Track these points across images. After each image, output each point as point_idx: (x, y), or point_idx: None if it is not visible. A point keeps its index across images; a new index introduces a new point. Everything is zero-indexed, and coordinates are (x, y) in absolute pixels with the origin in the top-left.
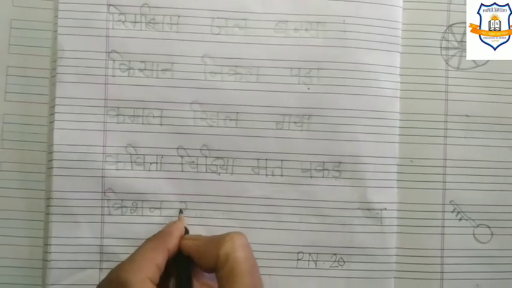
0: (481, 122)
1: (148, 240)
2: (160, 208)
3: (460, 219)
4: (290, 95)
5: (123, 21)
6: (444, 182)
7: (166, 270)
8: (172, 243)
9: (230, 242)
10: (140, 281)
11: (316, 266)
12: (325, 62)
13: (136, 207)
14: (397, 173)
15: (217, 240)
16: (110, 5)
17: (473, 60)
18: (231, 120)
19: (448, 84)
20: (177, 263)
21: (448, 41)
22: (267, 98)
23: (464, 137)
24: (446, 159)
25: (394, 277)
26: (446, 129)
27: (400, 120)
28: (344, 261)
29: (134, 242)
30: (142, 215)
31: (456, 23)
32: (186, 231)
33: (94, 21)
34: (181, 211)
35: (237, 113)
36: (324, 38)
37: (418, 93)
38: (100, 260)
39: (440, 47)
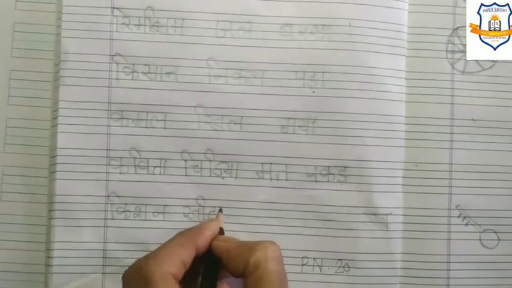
0: (487, 126)
1: (178, 234)
2: (163, 212)
3: (466, 224)
4: (295, 98)
5: (127, 24)
6: (451, 186)
7: (192, 268)
8: (201, 241)
9: (263, 250)
10: (163, 275)
11: (321, 271)
12: (330, 66)
13: (140, 212)
14: (403, 177)
15: (250, 247)
16: (114, 8)
17: (479, 64)
18: (235, 124)
19: (453, 88)
20: (205, 262)
21: (453, 44)
22: (271, 101)
23: (470, 141)
24: (452, 164)
25: (399, 283)
26: (452, 133)
27: (406, 124)
28: (350, 267)
29: (138, 246)
30: (145, 220)
31: (461, 26)
32: (221, 231)
33: (98, 24)
34: (220, 210)
35: (242, 116)
36: (329, 41)
37: (424, 97)
38: (103, 265)
39: (446, 51)
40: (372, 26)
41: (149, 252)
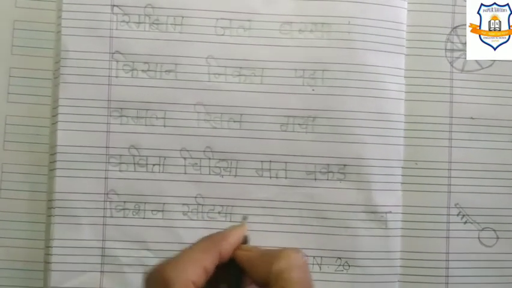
0: (486, 125)
1: (202, 239)
2: (162, 211)
3: (465, 223)
4: (295, 96)
5: (127, 22)
6: (449, 184)
7: (216, 275)
8: (225, 248)
9: (285, 259)
10: (183, 282)
11: (320, 269)
12: (330, 64)
13: (139, 210)
14: (402, 175)
15: (272, 255)
16: (114, 5)
17: (478, 62)
18: (234, 121)
19: (452, 87)
20: (229, 270)
21: (452, 42)
22: (271, 99)
23: (469, 140)
24: (451, 162)
25: (398, 281)
26: (451, 131)
27: (405, 122)
28: (349, 265)
29: (136, 244)
30: (144, 218)
31: (461, 25)
32: (245, 240)
33: (98, 22)
34: (244, 217)
35: (241, 114)
36: (328, 39)
37: (423, 95)
38: (102, 263)
39: (445, 49)
40: (372, 25)
41: (171, 257)
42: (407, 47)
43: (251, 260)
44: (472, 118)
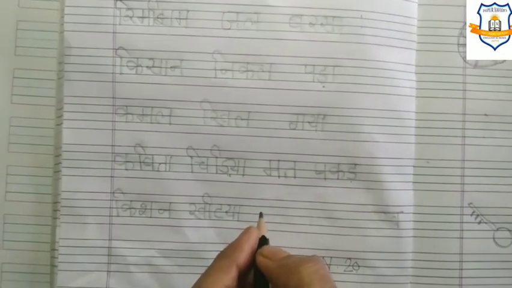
0: (501, 122)
1: (217, 257)
2: (169, 210)
3: (479, 223)
4: (304, 93)
5: (130, 17)
6: (463, 183)
7: (242, 283)
8: (242, 259)
9: (305, 271)
10: None
11: (330, 269)
12: (341, 59)
13: (145, 209)
14: (413, 174)
15: (289, 268)
16: (117, 0)
17: None
18: (242, 119)
19: (465, 82)
20: (256, 276)
21: (465, 37)
22: (280, 96)
23: (483, 137)
24: (464, 160)
25: (410, 282)
26: (464, 129)
27: (416, 120)
28: (359, 266)
29: (143, 244)
30: (150, 217)
31: None
32: (265, 240)
33: (101, 17)
34: (261, 215)
35: (249, 112)
36: (340, 33)
37: (435, 91)
38: (108, 263)
39: (458, 44)
40: (383, 19)
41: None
42: (418, 42)
43: (270, 270)
44: (485, 115)
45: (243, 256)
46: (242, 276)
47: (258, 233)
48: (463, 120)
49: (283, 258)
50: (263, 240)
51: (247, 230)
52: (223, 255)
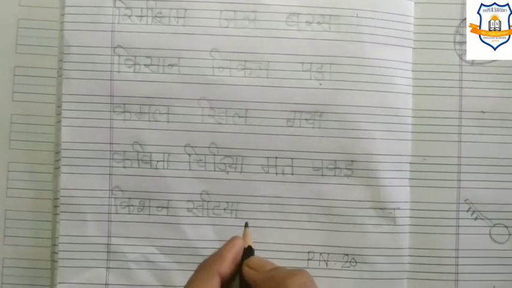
0: (497, 118)
1: (200, 268)
2: (167, 207)
3: (476, 219)
4: (301, 90)
5: (129, 16)
6: (459, 180)
7: (228, 286)
8: (224, 268)
9: (292, 284)
10: None
11: (327, 266)
12: (338, 57)
13: (143, 206)
14: (410, 171)
15: (278, 279)
16: None
17: None
18: (240, 117)
19: (462, 80)
20: (241, 285)
21: (462, 35)
22: (277, 94)
23: (480, 134)
24: (460, 157)
25: (407, 278)
26: (461, 125)
27: (413, 117)
28: (356, 262)
29: (141, 241)
30: (149, 214)
31: None
32: (251, 250)
33: (100, 16)
34: (246, 224)
35: (247, 109)
36: (336, 31)
37: (431, 89)
38: (107, 259)
39: (454, 42)
40: (380, 17)
41: None
42: (415, 40)
43: (256, 281)
44: (482, 112)
45: (224, 265)
46: (225, 285)
47: (242, 242)
48: (459, 117)
49: (270, 271)
50: (249, 251)
51: (231, 240)
52: (204, 266)
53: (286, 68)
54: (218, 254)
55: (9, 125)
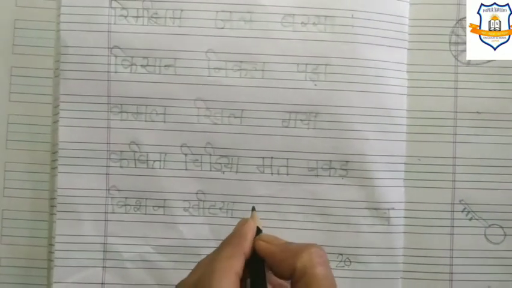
0: (492, 119)
1: (225, 244)
2: (163, 207)
3: (471, 219)
4: (297, 91)
5: (125, 16)
6: (454, 180)
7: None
8: (247, 247)
9: (308, 255)
10: None
11: None
12: (332, 58)
13: (140, 206)
14: (405, 171)
15: (295, 251)
16: None
17: None
18: (235, 117)
19: (457, 80)
20: (251, 264)
21: (457, 35)
22: (272, 94)
23: (475, 135)
24: (455, 158)
25: (401, 277)
26: (456, 126)
27: (408, 117)
28: (351, 261)
29: (138, 240)
30: (145, 214)
31: (466, 17)
32: (259, 230)
33: (96, 17)
34: (253, 208)
35: (242, 110)
36: (332, 32)
37: (426, 89)
38: (104, 259)
39: (449, 42)
40: (375, 18)
41: (198, 265)
42: (410, 41)
43: (273, 254)
44: (477, 112)
45: (248, 245)
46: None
47: (254, 223)
48: (454, 118)
49: (285, 243)
50: (258, 231)
51: (246, 222)
52: (230, 244)
53: (281, 68)
54: (242, 234)
55: (6, 125)
